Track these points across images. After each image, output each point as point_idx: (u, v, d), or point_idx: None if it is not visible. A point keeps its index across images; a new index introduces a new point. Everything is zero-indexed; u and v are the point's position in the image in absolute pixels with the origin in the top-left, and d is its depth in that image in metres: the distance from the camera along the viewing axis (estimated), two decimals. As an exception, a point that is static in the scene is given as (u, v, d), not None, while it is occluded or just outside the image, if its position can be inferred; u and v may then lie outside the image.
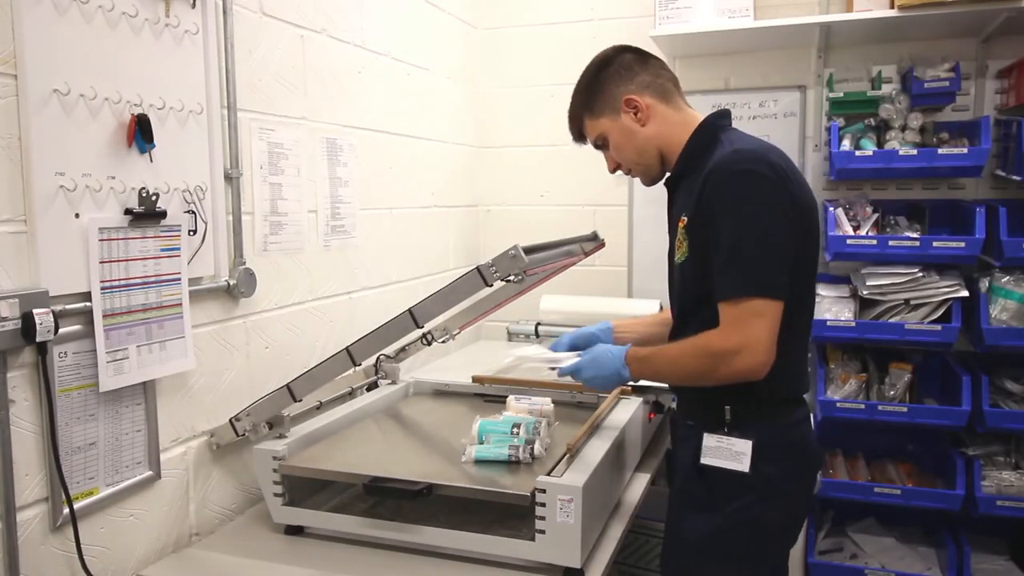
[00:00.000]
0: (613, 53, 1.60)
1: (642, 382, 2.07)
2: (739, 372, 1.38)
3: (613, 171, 1.66)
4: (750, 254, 1.36)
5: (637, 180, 1.68)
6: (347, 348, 1.60)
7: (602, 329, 1.77)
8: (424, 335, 2.13)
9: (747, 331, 1.35)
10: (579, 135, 1.66)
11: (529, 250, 1.49)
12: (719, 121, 1.55)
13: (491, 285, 1.51)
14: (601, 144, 1.64)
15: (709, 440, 1.49)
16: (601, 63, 1.60)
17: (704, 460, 1.49)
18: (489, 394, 2.15)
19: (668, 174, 1.61)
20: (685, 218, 1.48)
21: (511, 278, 1.49)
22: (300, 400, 1.65)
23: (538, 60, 3.13)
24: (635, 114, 1.55)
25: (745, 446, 1.45)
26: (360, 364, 1.64)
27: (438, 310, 1.56)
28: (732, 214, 1.38)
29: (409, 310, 1.55)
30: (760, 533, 1.48)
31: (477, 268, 1.48)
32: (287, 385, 1.62)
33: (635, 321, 1.87)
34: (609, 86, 1.57)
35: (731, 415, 1.48)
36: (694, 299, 1.49)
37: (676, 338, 1.55)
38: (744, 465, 1.45)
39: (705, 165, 1.44)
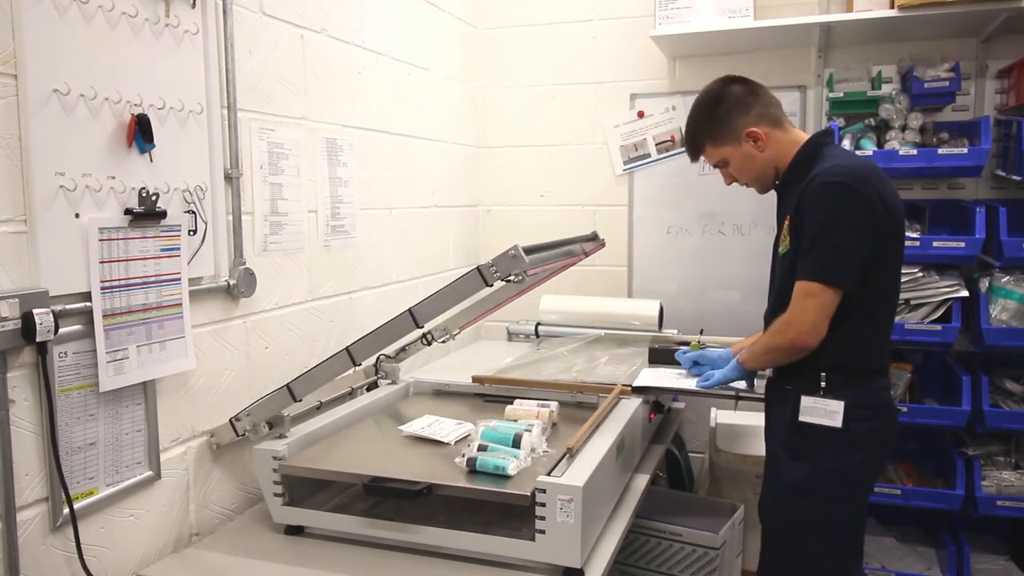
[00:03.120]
0: (722, 87, 1.83)
1: (645, 383, 2.08)
2: (792, 342, 1.68)
3: (729, 184, 1.93)
4: (825, 248, 1.64)
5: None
6: (347, 348, 1.60)
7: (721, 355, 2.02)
8: (424, 335, 2.13)
9: (799, 310, 1.66)
10: (696, 156, 1.91)
11: (529, 250, 1.49)
12: (823, 139, 1.81)
13: (491, 285, 1.52)
14: (723, 165, 1.88)
15: (807, 401, 1.72)
16: (717, 98, 1.83)
17: (802, 418, 1.73)
18: (489, 394, 2.15)
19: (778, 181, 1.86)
20: (790, 217, 1.73)
21: (511, 278, 1.50)
22: (300, 400, 1.65)
23: (538, 60, 3.13)
24: (755, 142, 1.80)
25: (838, 406, 1.69)
26: (360, 364, 1.64)
27: (438, 310, 1.56)
28: (820, 215, 1.65)
29: (409, 310, 1.55)
30: (848, 479, 1.72)
31: (477, 268, 1.48)
32: (287, 385, 1.62)
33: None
34: (730, 120, 1.81)
35: (826, 381, 1.71)
36: (790, 286, 1.71)
37: (771, 318, 1.80)
38: (837, 422, 1.69)
39: (808, 174, 1.70)
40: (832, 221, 1.63)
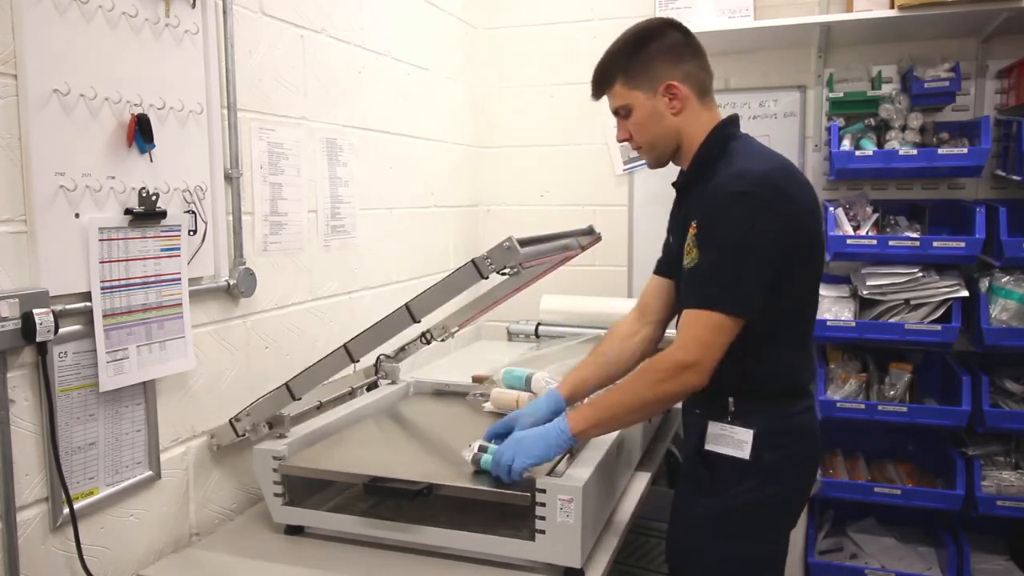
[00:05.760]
0: (661, 26, 1.56)
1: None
2: (685, 386, 1.43)
3: (621, 141, 1.63)
4: (730, 271, 1.41)
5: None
6: (345, 345, 1.60)
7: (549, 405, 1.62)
8: (423, 334, 2.13)
9: (706, 347, 1.41)
10: (600, 93, 1.62)
11: (524, 242, 1.48)
12: (728, 129, 1.57)
13: (486, 277, 1.48)
14: (624, 114, 1.59)
15: (713, 428, 1.55)
16: (649, 34, 1.54)
17: (708, 446, 1.55)
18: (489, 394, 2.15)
19: (680, 173, 1.63)
20: (696, 226, 1.49)
21: (507, 271, 1.48)
22: (299, 398, 1.65)
23: (538, 60, 3.13)
24: (670, 100, 1.53)
25: (747, 434, 1.51)
26: (358, 361, 1.63)
27: (434, 304, 1.55)
28: (722, 230, 1.43)
29: (406, 304, 1.55)
30: (760, 515, 1.54)
31: (472, 261, 1.46)
32: (286, 384, 1.62)
33: (578, 375, 1.72)
34: (655, 63, 1.53)
35: (734, 405, 1.53)
36: None
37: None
38: (745, 452, 1.51)
39: (714, 175, 1.48)
40: (739, 240, 1.40)
